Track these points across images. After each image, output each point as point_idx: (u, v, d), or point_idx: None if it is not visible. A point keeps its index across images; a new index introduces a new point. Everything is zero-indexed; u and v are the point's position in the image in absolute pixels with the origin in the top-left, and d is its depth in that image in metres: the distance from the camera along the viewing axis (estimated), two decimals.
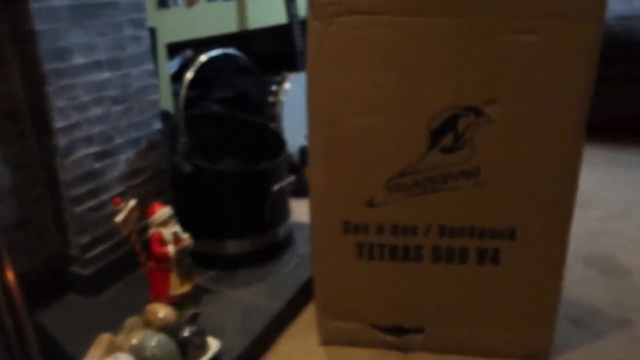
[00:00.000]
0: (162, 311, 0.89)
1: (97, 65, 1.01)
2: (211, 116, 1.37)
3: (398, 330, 0.96)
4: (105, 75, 1.03)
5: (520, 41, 0.77)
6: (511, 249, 0.87)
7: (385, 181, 0.86)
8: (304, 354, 0.98)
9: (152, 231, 0.96)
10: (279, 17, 1.82)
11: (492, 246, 0.87)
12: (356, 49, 0.80)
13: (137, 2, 1.08)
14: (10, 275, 0.63)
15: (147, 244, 0.97)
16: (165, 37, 1.39)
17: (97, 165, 1.03)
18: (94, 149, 1.02)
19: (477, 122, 0.81)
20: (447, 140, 0.83)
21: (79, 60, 0.98)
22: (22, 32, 0.91)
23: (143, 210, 0.97)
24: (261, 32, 1.81)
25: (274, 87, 1.65)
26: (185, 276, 0.98)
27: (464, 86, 0.80)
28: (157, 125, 1.16)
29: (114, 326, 0.88)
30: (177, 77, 1.51)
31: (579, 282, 1.16)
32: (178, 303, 0.95)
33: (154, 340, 0.81)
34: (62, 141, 0.96)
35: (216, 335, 0.90)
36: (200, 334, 0.87)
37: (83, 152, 1.00)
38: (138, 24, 1.09)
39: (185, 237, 0.98)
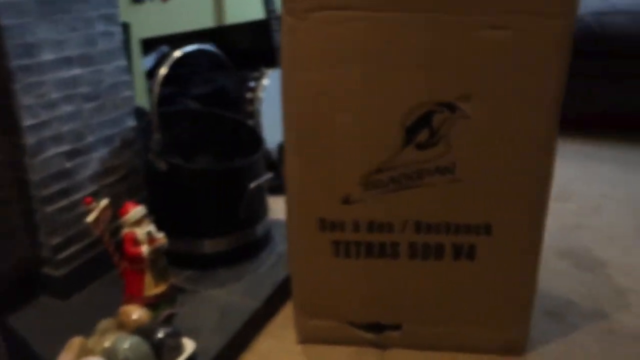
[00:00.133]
0: (136, 312, 0.88)
1: (67, 62, 0.99)
2: (187, 113, 1.35)
3: (375, 327, 0.96)
4: (76, 71, 1.01)
5: (493, 37, 0.77)
6: (487, 244, 0.88)
7: (361, 178, 0.86)
8: (282, 353, 0.97)
9: (125, 231, 0.94)
10: (256, 12, 1.80)
11: (467, 242, 0.88)
12: (329, 45, 0.79)
13: None
14: None
15: (120, 244, 0.95)
16: (140, 32, 1.37)
17: (68, 164, 1.01)
18: (65, 147, 1.00)
19: (452, 118, 0.81)
20: (422, 136, 0.83)
21: (48, 56, 0.95)
22: None
23: (116, 210, 0.95)
24: (239, 27, 1.79)
25: (252, 84, 1.63)
26: (160, 276, 0.96)
27: (437, 82, 0.80)
28: (131, 122, 1.14)
29: (87, 329, 0.86)
30: (153, 73, 1.48)
31: (554, 275, 1.18)
32: (153, 304, 0.94)
33: (127, 343, 0.80)
34: (30, 140, 0.94)
35: (192, 335, 0.88)
36: (175, 335, 0.86)
37: (53, 150, 0.98)
38: (110, 19, 1.06)
39: (160, 236, 0.96)
